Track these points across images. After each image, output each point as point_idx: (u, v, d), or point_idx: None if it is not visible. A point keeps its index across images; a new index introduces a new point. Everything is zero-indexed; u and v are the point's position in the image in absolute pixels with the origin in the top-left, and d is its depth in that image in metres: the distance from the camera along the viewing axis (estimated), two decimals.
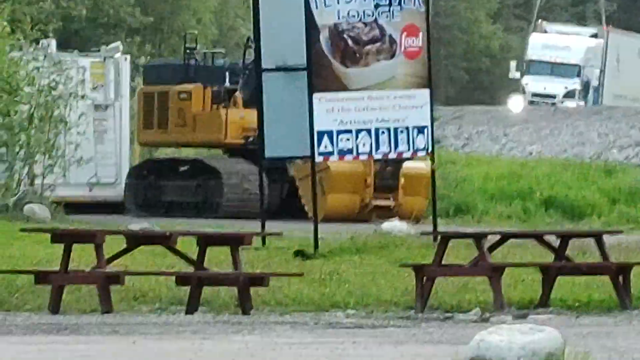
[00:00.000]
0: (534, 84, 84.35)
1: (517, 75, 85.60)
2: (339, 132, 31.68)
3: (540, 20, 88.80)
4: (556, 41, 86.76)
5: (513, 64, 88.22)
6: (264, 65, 32.33)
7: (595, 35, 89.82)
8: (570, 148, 63.61)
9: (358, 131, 31.83)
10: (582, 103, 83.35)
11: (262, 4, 33.06)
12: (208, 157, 48.74)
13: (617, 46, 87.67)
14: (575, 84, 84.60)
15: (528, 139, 67.28)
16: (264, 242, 29.60)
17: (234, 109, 45.74)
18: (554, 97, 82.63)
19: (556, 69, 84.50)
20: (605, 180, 53.00)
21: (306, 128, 30.94)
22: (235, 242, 22.76)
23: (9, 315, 21.04)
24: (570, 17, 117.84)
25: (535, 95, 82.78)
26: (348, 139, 31.85)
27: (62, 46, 55.40)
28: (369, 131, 31.79)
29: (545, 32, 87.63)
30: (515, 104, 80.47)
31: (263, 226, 31.86)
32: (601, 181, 52.62)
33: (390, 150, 32.55)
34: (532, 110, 79.10)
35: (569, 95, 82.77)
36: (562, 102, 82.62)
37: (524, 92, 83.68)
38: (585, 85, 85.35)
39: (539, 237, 25.65)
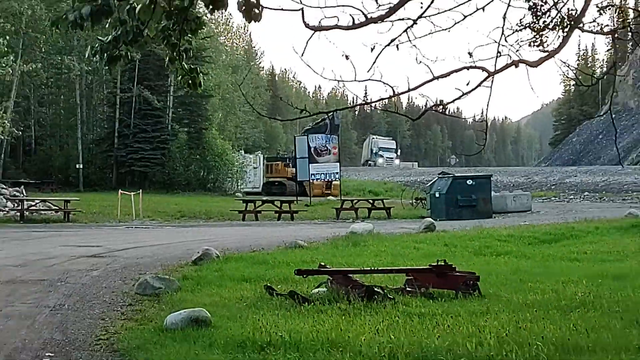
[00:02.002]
0: (384, 155, 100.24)
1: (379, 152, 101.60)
2: (316, 173, 43.06)
3: (369, 134, 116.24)
4: (387, 141, 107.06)
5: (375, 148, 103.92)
6: (297, 157, 44.59)
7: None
8: (387, 177, 69.15)
9: (321, 173, 43.58)
10: (397, 162, 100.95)
11: (297, 142, 45.29)
12: (283, 180, 55.12)
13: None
14: (396, 155, 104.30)
15: (377, 173, 75.95)
16: (296, 202, 37.13)
17: (290, 167, 53.64)
18: (392, 159, 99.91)
19: (390, 150, 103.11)
20: (384, 185, 60.84)
21: (307, 172, 42.44)
22: (289, 202, 33.95)
23: (230, 221, 31.47)
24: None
25: (387, 159, 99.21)
26: (319, 175, 43.63)
27: (245, 150, 65.46)
28: (323, 173, 43.60)
29: (374, 139, 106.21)
30: (379, 163, 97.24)
31: (296, 198, 40.49)
32: (382, 186, 59.46)
33: (328, 178, 45.29)
34: (384, 166, 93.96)
35: (395, 159, 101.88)
36: (395, 162, 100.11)
37: (382, 157, 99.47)
38: (397, 157, 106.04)
39: (366, 201, 36.30)
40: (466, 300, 9.92)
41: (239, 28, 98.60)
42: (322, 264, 11.80)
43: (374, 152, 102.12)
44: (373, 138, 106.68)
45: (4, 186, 32.82)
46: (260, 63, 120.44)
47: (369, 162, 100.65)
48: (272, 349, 7.22)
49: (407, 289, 10.52)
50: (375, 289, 10.02)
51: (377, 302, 9.64)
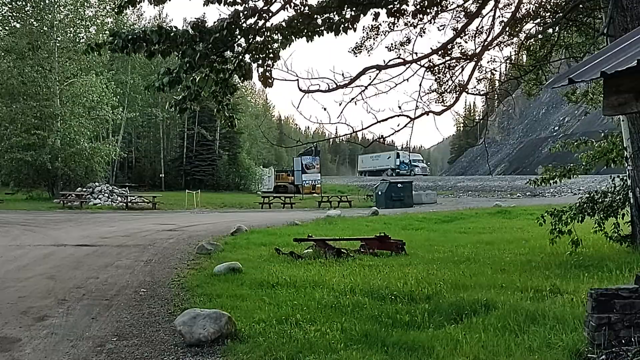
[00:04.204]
0: (419, 165, 65.41)
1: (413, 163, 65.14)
2: (306, 180, 41.42)
3: (394, 150, 64.75)
4: (416, 155, 69.23)
5: (407, 160, 64.81)
6: (295, 170, 43.37)
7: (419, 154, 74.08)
8: (349, 182, 57.68)
9: (309, 180, 41.86)
10: (428, 170, 67.33)
11: (295, 161, 43.12)
12: (286, 183, 48.28)
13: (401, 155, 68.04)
14: (426, 166, 67.14)
15: (342, 180, 63.08)
16: (294, 197, 34.90)
17: (290, 176, 47.74)
18: (425, 168, 65.56)
19: (421, 162, 65.77)
20: (347, 187, 49.96)
21: (301, 179, 41.42)
22: (290, 197, 32.73)
23: (254, 209, 29.93)
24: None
25: (422, 168, 65.11)
26: (308, 181, 41.70)
27: (263, 166, 58.06)
28: (311, 180, 41.65)
29: (404, 153, 65.23)
30: (416, 172, 62.63)
31: (294, 194, 38.29)
32: (346, 187, 48.95)
33: (314, 183, 42.27)
34: (420, 173, 62.95)
35: (427, 169, 66.81)
36: (427, 170, 66.76)
37: (418, 167, 64.20)
38: (428, 167, 68.90)
39: (337, 196, 33.93)
40: (397, 257, 9.83)
41: (259, 90, 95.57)
42: (310, 234, 11.71)
43: (407, 163, 64.04)
44: (401, 152, 67.42)
45: (116, 187, 32.53)
46: (272, 112, 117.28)
47: (396, 170, 63.73)
48: (279, 286, 7.18)
49: (361, 250, 10.40)
50: (342, 250, 9.93)
51: (343, 258, 9.55)
